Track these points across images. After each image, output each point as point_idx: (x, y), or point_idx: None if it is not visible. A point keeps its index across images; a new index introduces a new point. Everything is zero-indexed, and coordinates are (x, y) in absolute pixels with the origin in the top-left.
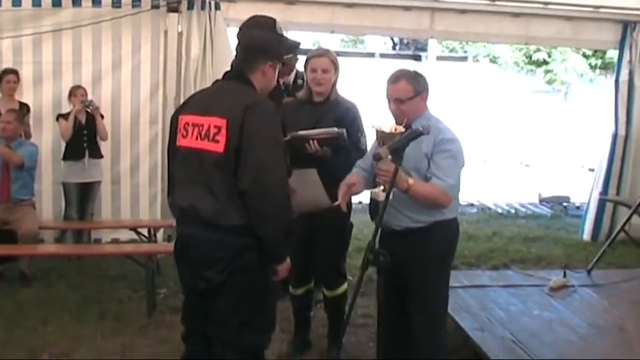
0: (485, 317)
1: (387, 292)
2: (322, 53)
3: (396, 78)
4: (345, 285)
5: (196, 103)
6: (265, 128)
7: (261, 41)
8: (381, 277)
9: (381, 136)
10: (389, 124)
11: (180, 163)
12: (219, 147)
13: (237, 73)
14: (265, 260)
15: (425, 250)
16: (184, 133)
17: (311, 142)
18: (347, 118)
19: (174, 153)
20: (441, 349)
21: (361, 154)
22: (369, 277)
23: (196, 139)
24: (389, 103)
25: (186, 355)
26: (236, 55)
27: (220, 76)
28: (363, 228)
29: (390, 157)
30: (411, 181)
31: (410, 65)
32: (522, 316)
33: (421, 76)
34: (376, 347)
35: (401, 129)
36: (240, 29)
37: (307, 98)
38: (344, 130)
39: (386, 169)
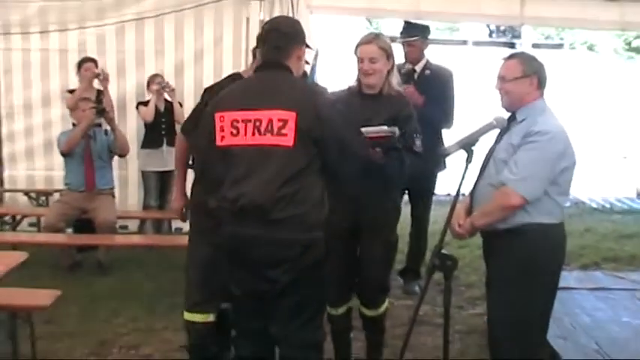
0: (568, 323)
1: None
2: (370, 40)
3: (510, 56)
4: (387, 302)
5: (238, 99)
6: (337, 113)
7: (291, 26)
8: (448, 283)
9: None
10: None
11: (237, 161)
12: (288, 140)
13: (276, 63)
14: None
15: (506, 255)
16: (234, 131)
17: None
18: (402, 115)
19: (216, 153)
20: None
21: (417, 157)
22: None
23: (253, 134)
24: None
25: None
26: (266, 45)
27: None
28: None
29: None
30: (467, 222)
31: (504, 53)
32: (610, 323)
33: (537, 60)
34: (442, 351)
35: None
36: (263, 27)
37: (358, 90)
38: (396, 129)
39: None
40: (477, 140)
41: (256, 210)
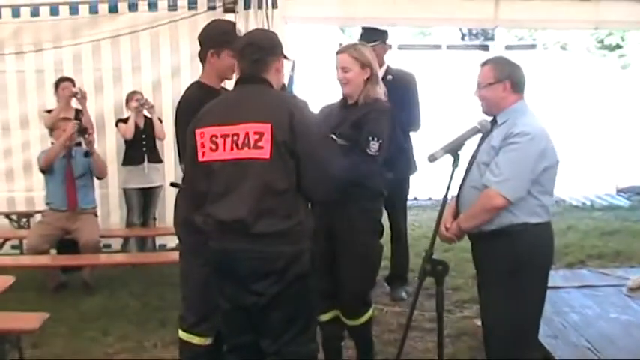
0: (558, 322)
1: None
2: (343, 49)
3: (485, 62)
4: (370, 311)
5: (217, 114)
6: (314, 125)
7: (268, 39)
8: (440, 288)
9: None
10: None
11: (217, 177)
12: (264, 153)
13: (255, 76)
14: (314, 260)
15: (494, 256)
16: (213, 147)
17: None
18: (363, 121)
19: (199, 169)
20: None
21: (369, 160)
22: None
23: (232, 149)
24: None
25: None
26: (244, 60)
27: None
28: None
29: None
30: (454, 225)
31: (478, 56)
32: (598, 319)
33: (510, 64)
34: (437, 355)
35: None
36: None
37: (343, 101)
38: (335, 138)
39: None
40: (463, 145)
41: (237, 224)
